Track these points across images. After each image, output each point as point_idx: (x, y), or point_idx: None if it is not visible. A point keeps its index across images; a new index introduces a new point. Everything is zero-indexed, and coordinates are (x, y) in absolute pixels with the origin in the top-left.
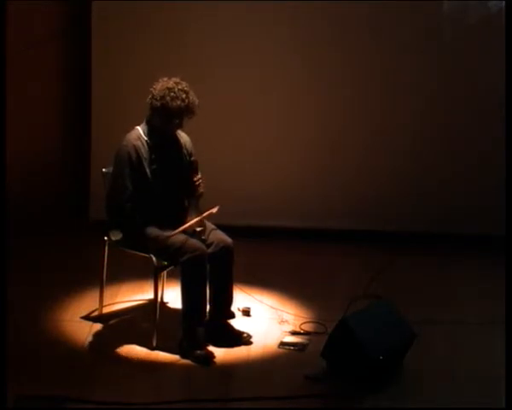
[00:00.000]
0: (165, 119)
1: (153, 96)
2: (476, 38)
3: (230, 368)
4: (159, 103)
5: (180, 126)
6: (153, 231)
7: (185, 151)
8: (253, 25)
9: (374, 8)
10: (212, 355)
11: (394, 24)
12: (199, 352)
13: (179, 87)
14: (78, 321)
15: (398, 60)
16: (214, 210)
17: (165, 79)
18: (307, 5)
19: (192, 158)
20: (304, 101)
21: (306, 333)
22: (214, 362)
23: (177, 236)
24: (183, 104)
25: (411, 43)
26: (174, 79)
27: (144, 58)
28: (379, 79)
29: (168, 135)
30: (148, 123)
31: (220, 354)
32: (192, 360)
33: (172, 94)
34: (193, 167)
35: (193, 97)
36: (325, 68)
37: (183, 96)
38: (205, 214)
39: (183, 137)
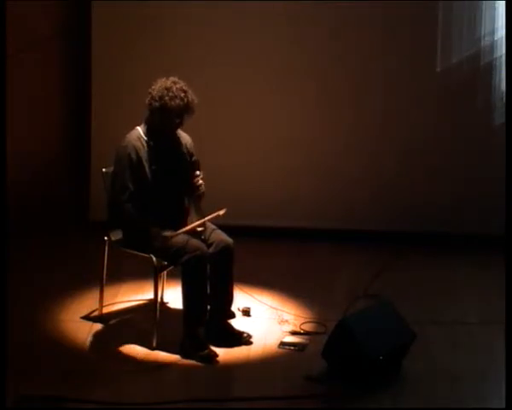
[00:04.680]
0: (165, 118)
1: (151, 96)
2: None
3: (230, 368)
4: (158, 104)
5: (180, 125)
6: (154, 230)
7: (186, 151)
8: (256, 25)
9: (377, 11)
10: (215, 354)
11: (395, 27)
12: (202, 352)
13: (177, 86)
14: (78, 321)
15: (399, 62)
16: (221, 213)
17: (163, 79)
18: (311, 4)
19: (193, 158)
20: (304, 102)
21: (306, 333)
22: (217, 361)
23: (177, 236)
24: (182, 103)
25: (413, 45)
26: (172, 79)
27: (144, 58)
28: (382, 81)
29: (169, 135)
30: (147, 124)
31: (220, 354)
32: (196, 360)
33: (171, 94)
34: (194, 168)
35: (191, 96)
36: (326, 69)
37: (182, 95)
38: (211, 216)
39: (183, 137)
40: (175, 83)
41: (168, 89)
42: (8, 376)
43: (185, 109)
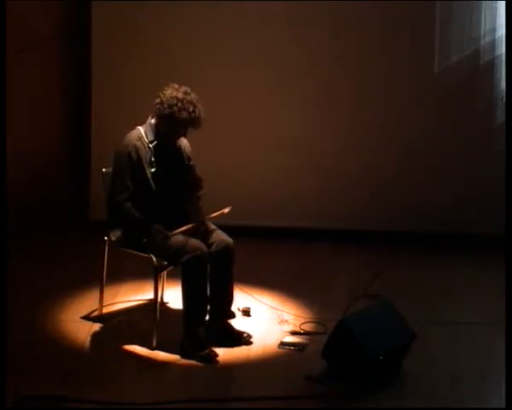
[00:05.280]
0: (170, 127)
1: (161, 102)
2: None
3: (230, 368)
4: (166, 112)
5: (184, 136)
6: (156, 227)
7: (185, 155)
8: (256, 25)
9: (377, 11)
10: (215, 354)
11: (395, 27)
12: (202, 352)
13: (188, 98)
14: (78, 321)
15: (399, 62)
16: (226, 210)
17: (176, 85)
18: (311, 4)
19: (191, 162)
20: (304, 102)
21: (306, 333)
22: (217, 361)
23: (177, 236)
24: (189, 117)
25: (413, 45)
26: (184, 89)
27: (144, 58)
28: (382, 81)
29: (171, 141)
30: (152, 125)
31: (220, 354)
32: (196, 360)
33: (180, 105)
34: (191, 171)
35: (200, 111)
36: (326, 69)
37: (191, 108)
38: (215, 214)
39: (182, 140)
40: (186, 94)
41: (178, 99)
42: (8, 376)
43: (191, 123)
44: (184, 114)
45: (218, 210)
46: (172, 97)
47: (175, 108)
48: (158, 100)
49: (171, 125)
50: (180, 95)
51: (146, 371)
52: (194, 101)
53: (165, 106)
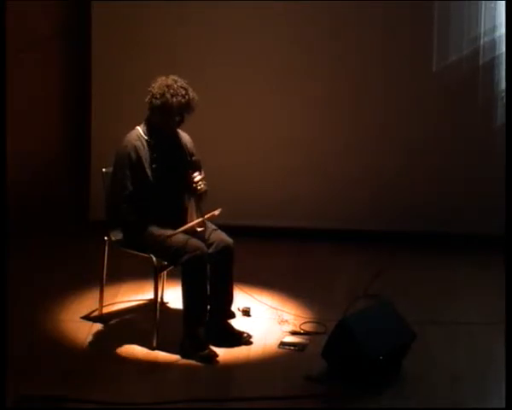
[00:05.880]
0: (165, 116)
1: (152, 95)
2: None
3: (230, 368)
4: (159, 101)
5: (181, 123)
6: (154, 229)
7: (186, 151)
8: (256, 25)
9: (377, 11)
10: (215, 354)
11: (395, 27)
12: (202, 352)
13: (178, 84)
14: (78, 321)
15: (399, 62)
16: (216, 212)
17: (163, 77)
18: (311, 4)
19: (194, 158)
20: (304, 102)
21: (306, 333)
22: (217, 361)
23: (177, 236)
24: (183, 100)
25: (413, 45)
26: (172, 77)
27: (144, 58)
28: (382, 81)
29: (169, 133)
30: (147, 123)
31: (220, 354)
32: (196, 360)
33: (172, 91)
34: (194, 167)
35: (192, 93)
36: (326, 69)
37: (183, 92)
38: (206, 216)
39: (183, 136)
40: (175, 81)
41: (169, 86)
42: (8, 376)
43: (186, 107)
44: (178, 98)
45: (208, 212)
46: (163, 86)
47: (167, 95)
48: (149, 95)
49: (166, 114)
50: (170, 82)
51: (146, 371)
52: (185, 85)
53: (157, 96)
